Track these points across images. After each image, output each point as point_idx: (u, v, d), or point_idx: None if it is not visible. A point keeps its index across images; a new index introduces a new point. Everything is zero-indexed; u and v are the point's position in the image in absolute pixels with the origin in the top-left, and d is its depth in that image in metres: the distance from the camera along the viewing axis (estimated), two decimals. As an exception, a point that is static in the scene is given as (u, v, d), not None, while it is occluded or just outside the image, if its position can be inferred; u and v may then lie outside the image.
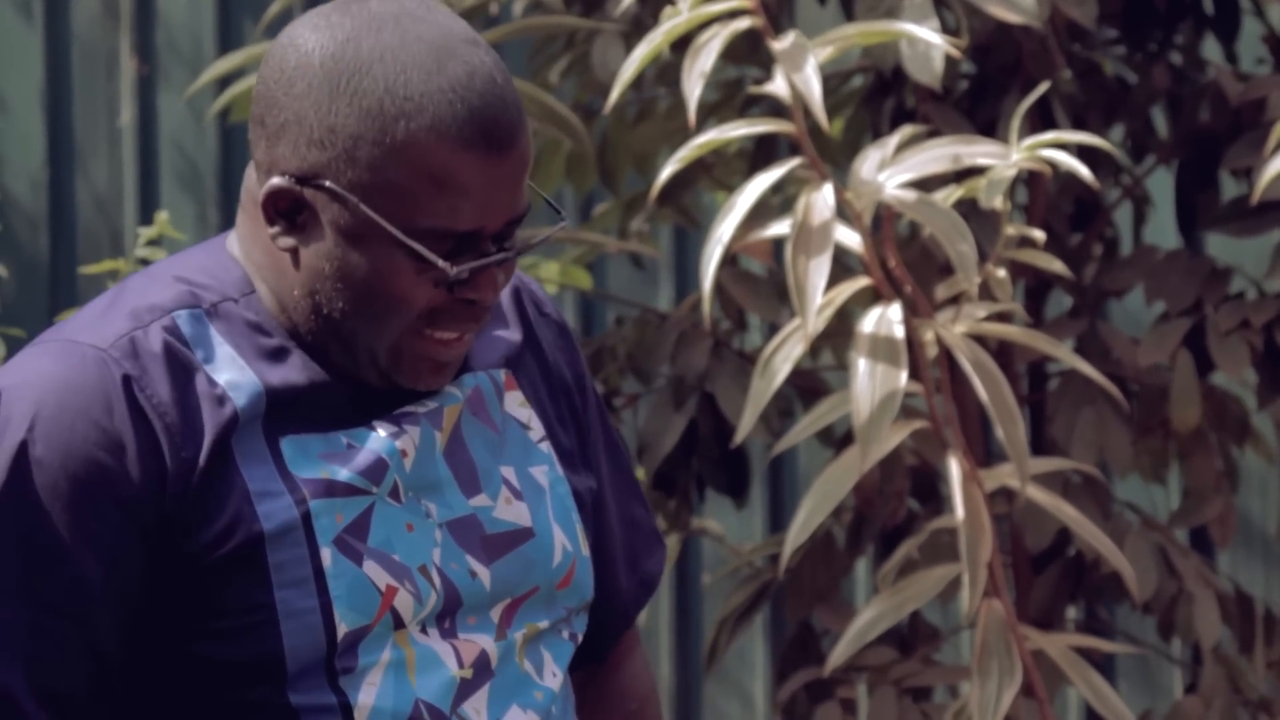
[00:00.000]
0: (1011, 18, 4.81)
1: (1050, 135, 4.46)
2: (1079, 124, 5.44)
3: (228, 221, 6.72)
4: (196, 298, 2.73)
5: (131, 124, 7.48)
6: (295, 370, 2.83)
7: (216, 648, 2.79)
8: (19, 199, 7.55)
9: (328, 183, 2.61)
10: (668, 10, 4.39)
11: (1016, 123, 4.51)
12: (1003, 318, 4.77)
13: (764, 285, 4.94)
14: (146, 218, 7.30)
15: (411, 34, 2.62)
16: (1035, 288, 5.68)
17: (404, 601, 2.90)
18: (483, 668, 3.03)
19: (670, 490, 5.01)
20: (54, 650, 2.72)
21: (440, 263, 2.66)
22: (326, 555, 2.83)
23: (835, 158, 4.96)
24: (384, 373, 2.81)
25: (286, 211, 2.66)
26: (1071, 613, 5.89)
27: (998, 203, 4.36)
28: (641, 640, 6.50)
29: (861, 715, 5.31)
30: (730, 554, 5.59)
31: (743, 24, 4.37)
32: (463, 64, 2.72)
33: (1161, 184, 5.95)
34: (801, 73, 4.24)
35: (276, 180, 2.59)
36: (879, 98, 5.23)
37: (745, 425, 4.32)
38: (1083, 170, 4.39)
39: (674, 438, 4.88)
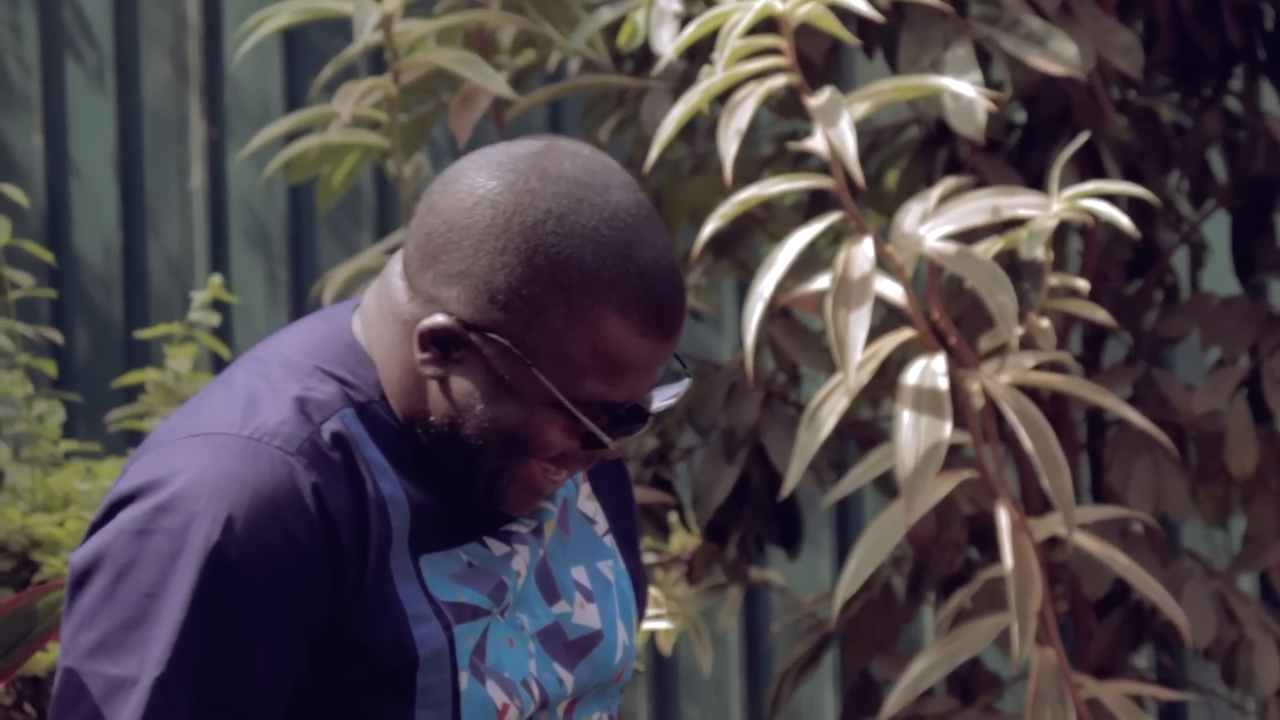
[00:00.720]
0: (1054, 69, 4.80)
1: (1091, 185, 4.43)
2: (1134, 171, 5.41)
3: (296, 282, 6.76)
4: (349, 396, 2.71)
5: (202, 186, 7.43)
6: (425, 484, 2.83)
7: None
8: (92, 262, 7.57)
9: (503, 340, 2.62)
10: (705, 69, 4.40)
11: (1057, 174, 4.48)
12: (1056, 366, 4.74)
13: (815, 338, 4.86)
14: (235, 287, 7.38)
15: (603, 213, 2.63)
16: (1093, 335, 5.60)
17: (512, 716, 2.93)
18: None
19: (723, 541, 5.01)
20: None
21: (603, 437, 2.72)
22: (464, 679, 2.86)
23: (890, 209, 4.93)
24: (488, 496, 2.82)
25: (443, 344, 2.65)
26: (1143, 660, 5.88)
27: (1039, 253, 4.37)
28: (714, 690, 6.56)
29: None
30: (794, 605, 5.54)
31: (779, 81, 4.37)
32: (649, 250, 2.74)
33: (1220, 229, 5.90)
34: (836, 128, 4.24)
35: (442, 319, 2.58)
36: (932, 149, 5.19)
37: (793, 477, 4.30)
38: (1122, 220, 4.36)
39: (725, 490, 4.84)
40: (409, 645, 2.79)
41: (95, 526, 2.69)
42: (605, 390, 2.73)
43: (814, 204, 4.98)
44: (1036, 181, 4.73)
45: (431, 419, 2.70)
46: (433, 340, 2.61)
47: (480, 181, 2.54)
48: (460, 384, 2.66)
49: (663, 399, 2.88)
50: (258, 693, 2.72)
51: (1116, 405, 4.84)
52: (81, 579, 2.66)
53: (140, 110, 7.70)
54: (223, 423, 2.65)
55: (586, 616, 3.05)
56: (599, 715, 3.13)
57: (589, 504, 3.15)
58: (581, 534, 3.12)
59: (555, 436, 2.77)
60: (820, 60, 4.84)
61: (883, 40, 4.96)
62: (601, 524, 3.15)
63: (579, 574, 3.08)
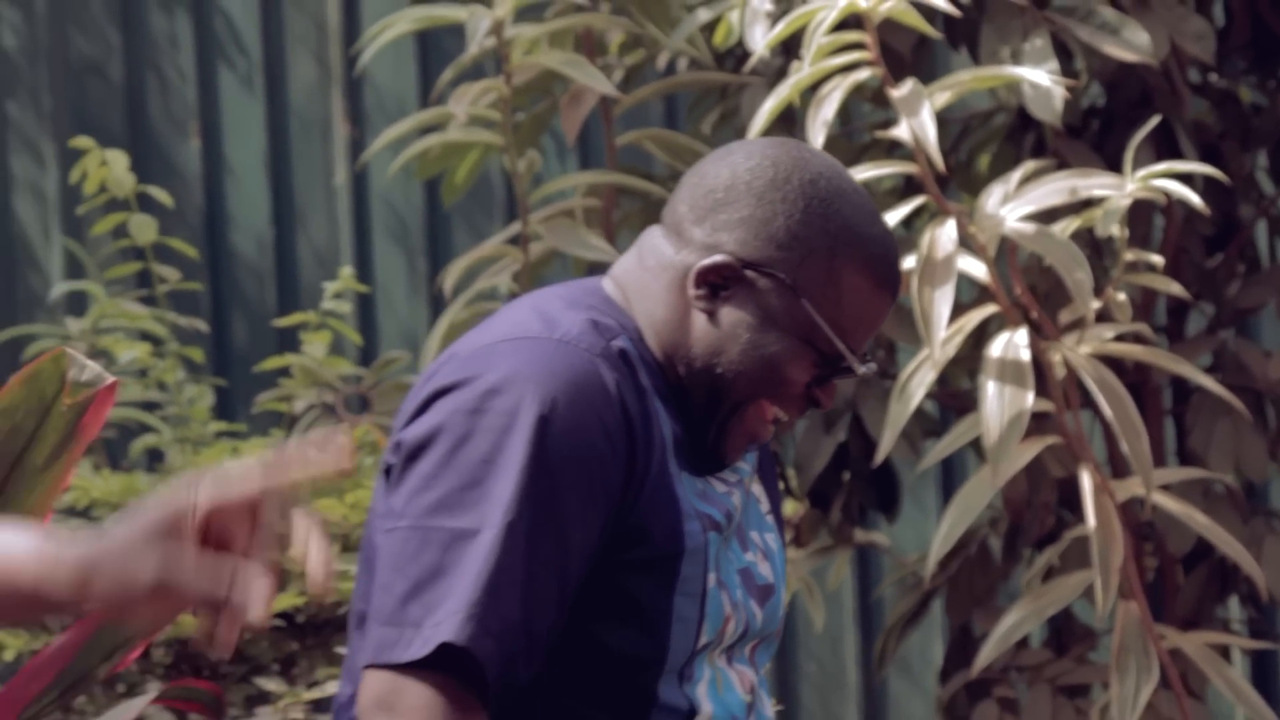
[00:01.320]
0: (1128, 56, 4.80)
1: (1164, 166, 4.44)
2: (1214, 151, 5.37)
3: (433, 271, 6.81)
4: (614, 329, 2.96)
5: (345, 183, 7.51)
6: (676, 415, 3.04)
7: (614, 633, 2.99)
8: (246, 256, 7.63)
9: (779, 274, 2.91)
10: (795, 64, 4.44)
11: (1131, 155, 4.49)
12: (1137, 337, 4.73)
13: (907, 314, 4.74)
14: (363, 270, 7.43)
15: (854, 183, 2.97)
16: (1176, 307, 5.57)
17: (730, 630, 3.09)
18: (752, 695, 3.21)
19: (826, 506, 5.05)
20: (537, 601, 2.90)
21: (857, 366, 2.98)
22: (710, 579, 3.03)
23: (982, 191, 4.93)
24: (717, 435, 3.02)
25: (717, 281, 2.93)
26: (1234, 614, 5.90)
27: (1114, 231, 4.39)
28: (829, 644, 6.56)
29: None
30: (897, 565, 5.58)
31: (863, 74, 4.41)
32: (885, 223, 3.10)
33: (1302, 203, 5.79)
34: (918, 117, 4.27)
35: (722, 258, 2.88)
36: (1019, 134, 5.19)
37: (885, 446, 4.36)
38: (1192, 198, 4.38)
39: (825, 459, 4.88)
40: (680, 536, 3.00)
41: (414, 417, 2.96)
42: (848, 335, 2.99)
43: (908, 188, 4.98)
44: (1115, 163, 4.66)
45: (694, 351, 2.97)
46: (710, 277, 2.91)
47: (755, 151, 2.92)
48: (730, 315, 2.94)
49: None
50: (569, 555, 2.92)
51: (1192, 373, 4.87)
52: (417, 452, 2.89)
53: (287, 113, 7.79)
54: (530, 330, 2.94)
55: (765, 571, 3.20)
56: (766, 665, 3.28)
57: (756, 486, 3.29)
58: (754, 507, 3.27)
59: (797, 372, 3.01)
60: (908, 53, 4.85)
61: (965, 33, 4.97)
62: (765, 504, 3.31)
63: (755, 537, 3.23)
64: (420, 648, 2.82)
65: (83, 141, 6.15)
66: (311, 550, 2.23)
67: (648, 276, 3.04)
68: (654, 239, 3.07)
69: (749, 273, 2.94)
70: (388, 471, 3.02)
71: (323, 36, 7.71)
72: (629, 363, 3.00)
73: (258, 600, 2.14)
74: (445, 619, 2.85)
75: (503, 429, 2.83)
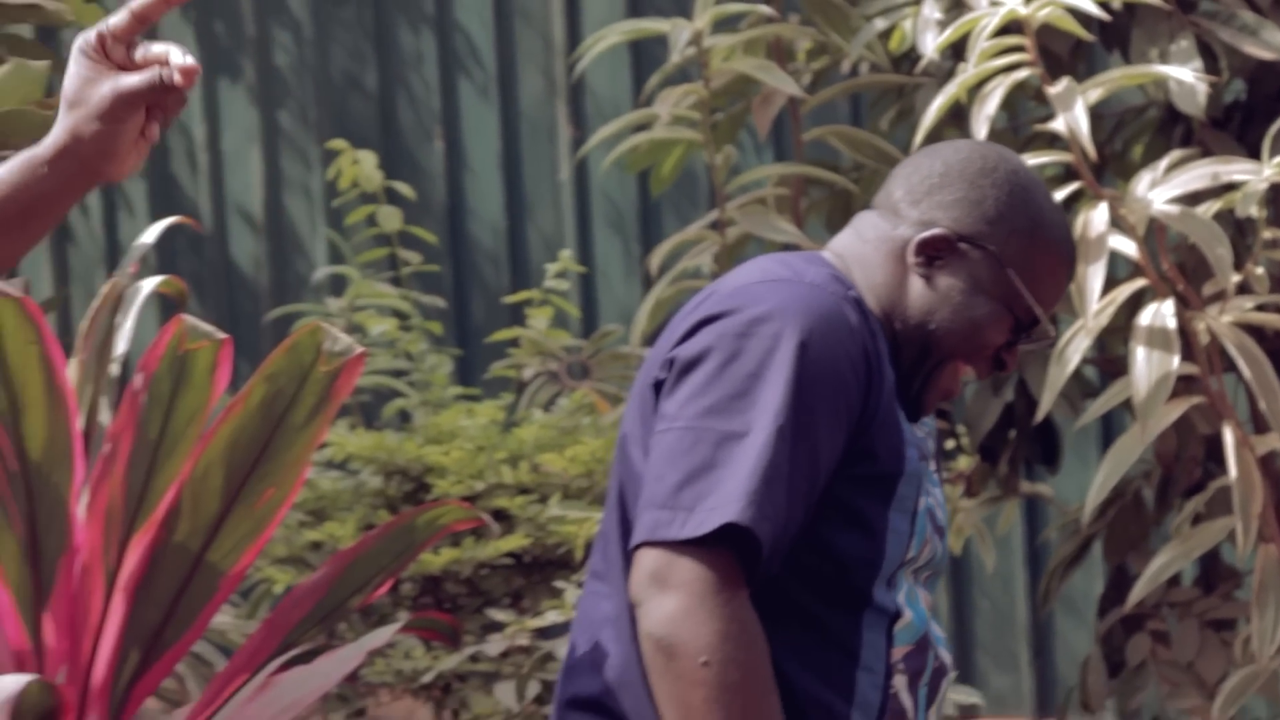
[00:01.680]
0: (1266, 54, 4.78)
1: None
2: None
3: (645, 254, 6.82)
4: (847, 284, 3.04)
5: (568, 178, 7.57)
6: (890, 363, 3.09)
7: (840, 537, 3.02)
8: (482, 242, 7.69)
9: (989, 246, 3.00)
10: (961, 66, 4.43)
11: (1268, 143, 4.44)
12: (1277, 308, 4.66)
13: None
14: (583, 253, 7.46)
15: (1040, 180, 3.11)
16: None
17: (925, 553, 3.17)
18: (931, 614, 3.23)
19: (994, 460, 5.00)
20: (796, 499, 2.95)
21: (1050, 330, 3.11)
22: (921, 501, 3.12)
23: (1132, 179, 4.90)
24: (921, 386, 3.13)
25: (934, 251, 3.01)
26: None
27: (1253, 212, 4.39)
28: (1000, 583, 6.45)
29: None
30: (1060, 512, 5.54)
31: (1023, 74, 4.37)
32: (1064, 212, 3.34)
33: None
34: (1072, 112, 4.25)
35: (940, 231, 2.98)
36: (1169, 126, 5.12)
37: (1045, 405, 4.35)
38: None
39: (993, 418, 4.85)
40: (901, 459, 3.07)
41: (682, 340, 3.03)
42: (1040, 304, 3.07)
43: (1067, 175, 4.91)
44: (1256, 152, 4.59)
45: (910, 310, 3.06)
46: (929, 248, 3.00)
47: (963, 147, 3.08)
48: (944, 280, 3.03)
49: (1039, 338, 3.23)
50: (818, 464, 2.98)
51: (1324, 337, 4.73)
52: (689, 366, 2.96)
53: (518, 118, 7.85)
54: (781, 275, 3.03)
55: (940, 515, 3.26)
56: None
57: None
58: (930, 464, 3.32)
59: (995, 335, 3.08)
60: (1065, 54, 4.79)
61: (1116, 36, 4.88)
62: (932, 463, 3.31)
63: (930, 486, 3.25)
64: (695, 527, 2.87)
65: (337, 143, 6.20)
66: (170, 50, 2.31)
67: (867, 249, 3.12)
68: (870, 219, 3.17)
69: (962, 245, 3.04)
70: (657, 386, 3.07)
71: (549, 50, 7.77)
72: (862, 310, 3.06)
73: (181, 55, 2.28)
74: (721, 504, 2.90)
75: (768, 350, 2.91)
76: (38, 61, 3.70)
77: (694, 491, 2.91)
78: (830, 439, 3.03)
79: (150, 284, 3.45)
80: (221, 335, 3.14)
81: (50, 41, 3.77)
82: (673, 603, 2.88)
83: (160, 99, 2.36)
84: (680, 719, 2.88)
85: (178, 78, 2.30)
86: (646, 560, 2.92)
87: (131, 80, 2.34)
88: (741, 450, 2.94)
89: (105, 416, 3.29)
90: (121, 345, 3.36)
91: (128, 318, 3.39)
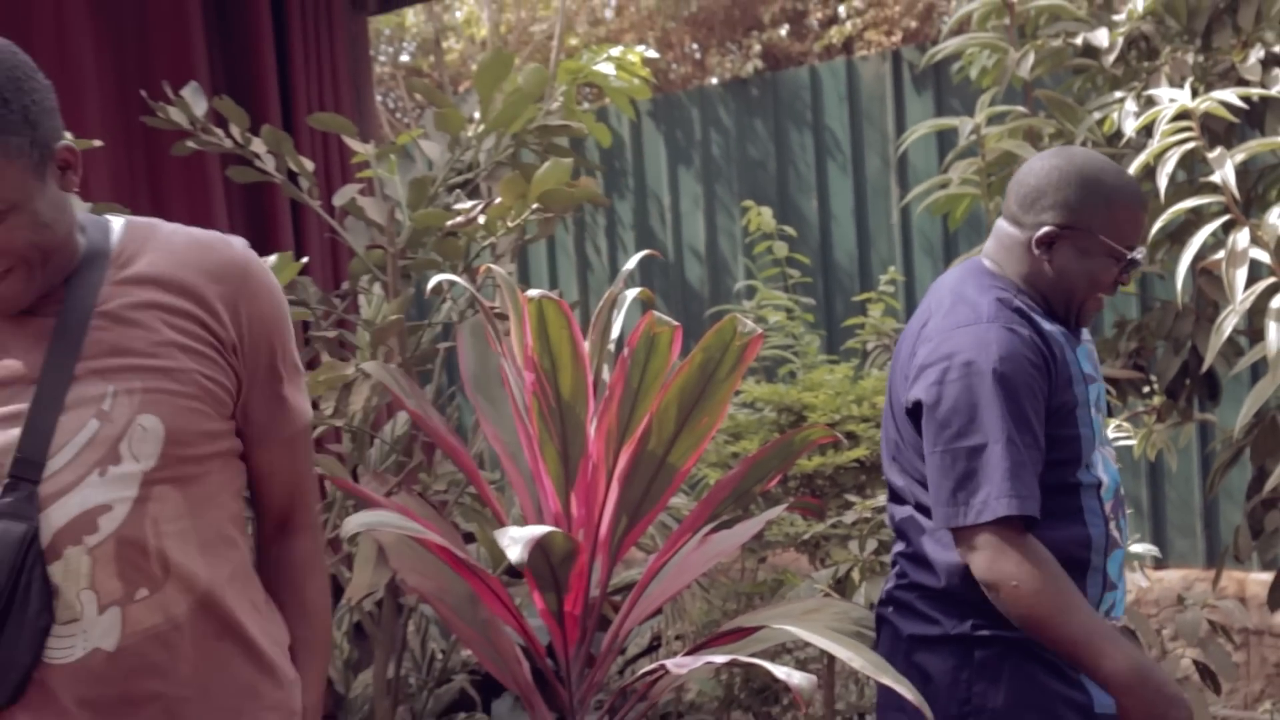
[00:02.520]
0: None
1: None
2: None
3: (946, 267, 6.75)
4: (1009, 299, 3.00)
5: (897, 221, 7.51)
6: (1053, 320, 3.09)
7: (1052, 453, 2.99)
8: (841, 264, 7.60)
9: (1081, 227, 2.99)
10: (1150, 140, 4.21)
11: None
12: None
13: (1220, 283, 4.62)
14: (907, 270, 7.41)
15: (1107, 162, 3.01)
16: None
17: (1101, 435, 3.13)
18: (1118, 465, 3.22)
19: (1175, 398, 4.80)
20: (1035, 468, 2.96)
21: (1140, 256, 3.11)
22: (1093, 411, 3.10)
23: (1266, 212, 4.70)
24: (1075, 321, 3.13)
25: (1049, 242, 3.01)
26: None
27: None
28: (1182, 480, 6.18)
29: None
30: (1221, 432, 5.38)
31: (1190, 145, 4.08)
32: (1129, 176, 3.10)
33: None
34: (1223, 169, 4.01)
35: (1048, 228, 2.97)
36: None
37: (1208, 360, 4.10)
38: None
39: (1175, 369, 4.66)
40: (1074, 393, 3.07)
41: (914, 380, 3.05)
42: (1128, 245, 3.07)
43: (1224, 210, 4.67)
44: None
45: (1048, 283, 3.06)
46: (1044, 240, 3.00)
47: (1045, 159, 3.02)
48: (1059, 257, 3.03)
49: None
50: (1039, 439, 2.97)
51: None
52: (932, 407, 2.95)
53: (864, 183, 7.76)
54: (966, 320, 2.97)
55: (1101, 405, 3.22)
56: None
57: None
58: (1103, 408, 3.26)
59: (1106, 275, 3.10)
60: (1221, 131, 4.57)
61: (1255, 117, 4.62)
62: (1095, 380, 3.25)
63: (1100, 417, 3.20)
64: (975, 518, 2.90)
65: (749, 203, 6.21)
66: None
67: (1006, 251, 3.08)
68: (1002, 227, 3.13)
69: (1063, 231, 3.01)
70: (909, 410, 3.09)
71: (883, 140, 7.62)
72: (1024, 315, 3.03)
73: None
74: (992, 498, 2.92)
75: (978, 385, 2.89)
76: (565, 159, 3.76)
77: (966, 492, 2.91)
78: (1038, 417, 3.02)
79: (633, 293, 3.49)
80: (675, 324, 3.17)
81: (576, 146, 3.92)
82: (982, 558, 2.88)
83: None
84: (1025, 622, 2.89)
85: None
86: (957, 538, 2.96)
87: None
88: (988, 458, 2.90)
89: (606, 374, 3.33)
90: (616, 330, 3.41)
91: (620, 313, 3.43)
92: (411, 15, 8.84)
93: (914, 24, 7.63)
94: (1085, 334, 3.32)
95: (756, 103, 8.09)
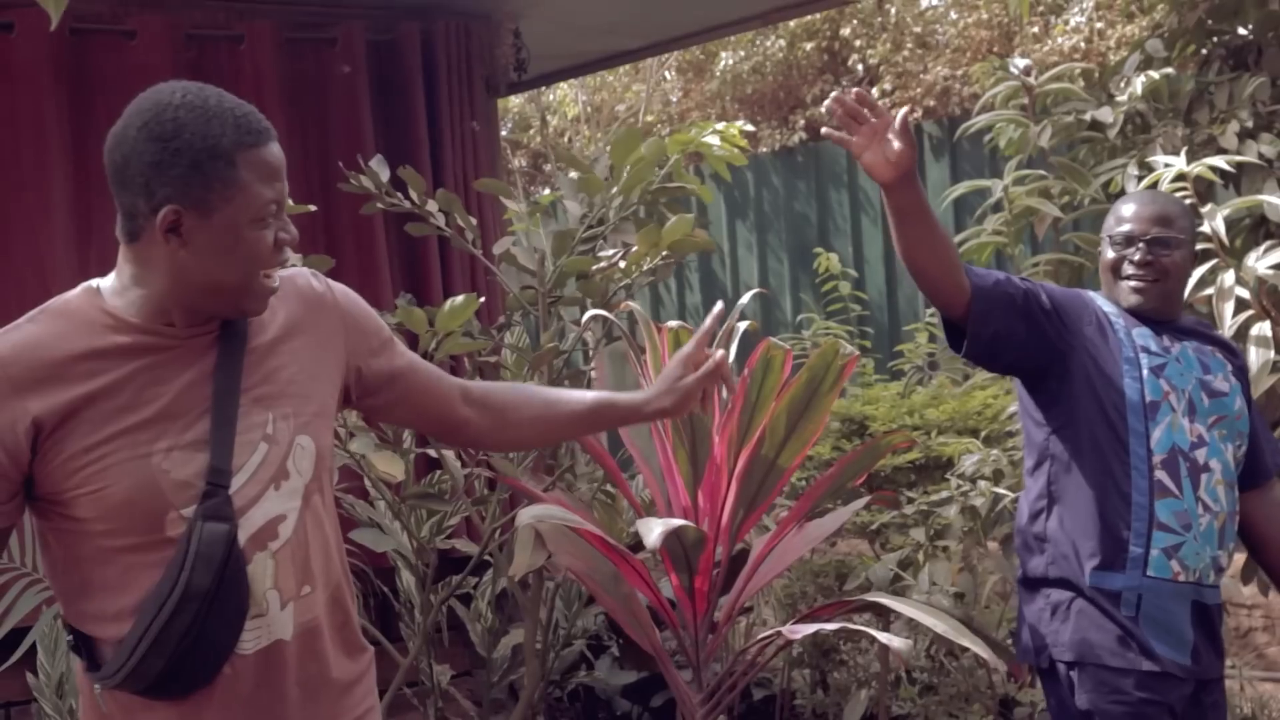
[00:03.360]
0: None
1: None
2: None
3: None
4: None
5: None
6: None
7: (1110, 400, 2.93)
8: (886, 302, 7.73)
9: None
10: None
11: None
12: None
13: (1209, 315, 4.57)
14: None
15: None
16: None
17: (1172, 401, 2.97)
18: (1200, 442, 2.99)
19: None
20: None
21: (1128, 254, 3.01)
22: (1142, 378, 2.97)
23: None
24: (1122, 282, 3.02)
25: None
26: None
27: None
28: None
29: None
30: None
31: (1186, 203, 4.04)
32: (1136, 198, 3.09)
33: None
34: (1214, 221, 3.97)
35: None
36: (1259, 226, 4.56)
37: None
38: None
39: None
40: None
41: (1241, 372, 3.17)
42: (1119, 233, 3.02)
43: (1213, 254, 4.66)
44: None
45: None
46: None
47: None
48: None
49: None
50: None
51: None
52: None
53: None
54: None
55: (1219, 387, 3.10)
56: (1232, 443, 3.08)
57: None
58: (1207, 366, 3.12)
59: (1114, 258, 3.05)
60: (1206, 189, 4.52)
61: (1236, 180, 4.51)
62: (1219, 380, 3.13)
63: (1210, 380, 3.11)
64: None
65: (819, 250, 6.19)
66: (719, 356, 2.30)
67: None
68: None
69: None
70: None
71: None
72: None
73: (722, 364, 2.31)
74: None
75: None
76: (689, 215, 3.76)
77: None
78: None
79: (742, 325, 3.46)
80: (787, 348, 3.17)
81: (684, 202, 3.98)
82: None
83: (716, 382, 2.33)
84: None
85: (725, 387, 2.36)
86: None
87: (695, 379, 2.30)
88: None
89: (724, 391, 3.30)
90: (731, 356, 3.37)
91: (733, 344, 3.37)
92: (515, 97, 8.92)
93: (931, 103, 7.65)
94: (1193, 338, 3.17)
95: (801, 167, 8.09)
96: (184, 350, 2.00)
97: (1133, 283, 3.06)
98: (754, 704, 5.46)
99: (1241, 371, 3.23)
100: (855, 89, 2.76)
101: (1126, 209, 3.14)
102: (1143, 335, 3.05)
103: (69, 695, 3.85)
